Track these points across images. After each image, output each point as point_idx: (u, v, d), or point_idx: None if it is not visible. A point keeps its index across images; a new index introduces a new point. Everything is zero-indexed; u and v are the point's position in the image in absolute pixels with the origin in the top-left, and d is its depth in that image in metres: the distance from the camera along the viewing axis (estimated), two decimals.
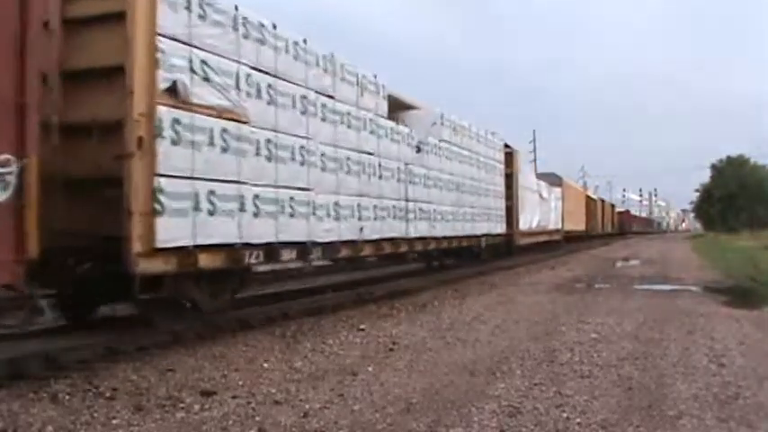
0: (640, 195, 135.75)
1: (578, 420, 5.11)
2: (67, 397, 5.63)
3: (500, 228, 21.13)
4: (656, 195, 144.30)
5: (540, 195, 28.35)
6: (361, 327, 9.20)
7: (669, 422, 5.09)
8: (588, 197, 48.91)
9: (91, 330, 7.93)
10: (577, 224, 40.25)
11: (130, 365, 6.71)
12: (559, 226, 33.04)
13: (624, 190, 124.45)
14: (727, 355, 7.45)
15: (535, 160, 49.45)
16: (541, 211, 28.23)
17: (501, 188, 21.52)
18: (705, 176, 76.65)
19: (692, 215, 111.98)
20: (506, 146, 22.92)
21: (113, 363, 6.80)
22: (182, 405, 5.44)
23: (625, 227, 74.68)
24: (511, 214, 22.75)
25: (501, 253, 22.35)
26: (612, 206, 69.33)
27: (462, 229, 17.26)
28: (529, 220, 25.76)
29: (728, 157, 72.99)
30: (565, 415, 5.23)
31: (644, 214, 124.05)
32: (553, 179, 34.39)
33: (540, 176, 32.09)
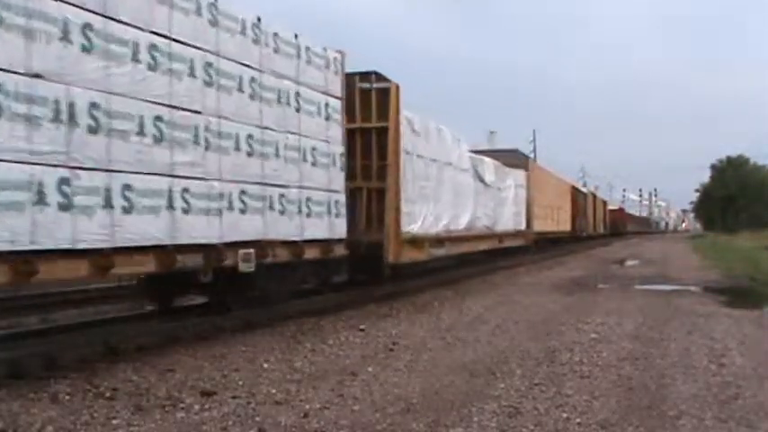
0: (640, 195, 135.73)
1: (578, 420, 5.11)
2: (67, 397, 5.63)
3: (329, 229, 10.60)
4: (656, 195, 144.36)
5: (479, 178, 18.30)
6: (361, 327, 9.20)
7: (669, 422, 5.09)
8: (575, 189, 38.69)
9: None
10: (558, 223, 30.80)
11: (130, 365, 6.71)
12: (522, 226, 23.09)
13: (624, 190, 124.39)
14: (727, 355, 7.45)
15: (535, 159, 48.98)
16: (479, 203, 18.17)
17: (332, 149, 10.71)
18: (705, 176, 76.88)
19: (692, 215, 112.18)
20: (377, 76, 12.72)
21: (113, 363, 6.80)
22: (182, 405, 5.44)
23: (619, 227, 65.93)
24: (381, 205, 12.45)
25: (339, 281, 12.18)
26: (604, 203, 59.58)
27: (119, 232, 6.87)
28: (445, 215, 15.39)
29: (728, 158, 73.24)
30: (565, 415, 5.23)
31: (644, 213, 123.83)
32: (515, 158, 24.38)
33: (490, 153, 21.72)
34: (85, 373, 6.37)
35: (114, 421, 5.03)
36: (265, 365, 6.89)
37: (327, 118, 10.68)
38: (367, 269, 12.60)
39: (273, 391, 5.89)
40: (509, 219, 21.52)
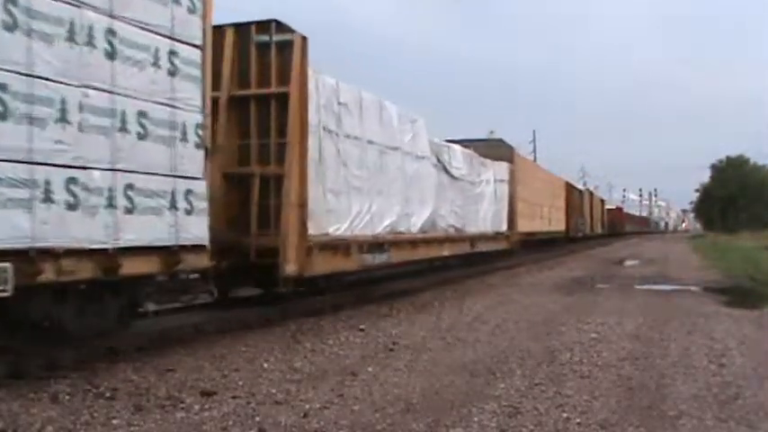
0: (640, 195, 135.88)
1: (578, 420, 5.11)
2: (67, 397, 5.63)
3: (174, 232, 7.29)
4: (655, 195, 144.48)
5: (444, 169, 15.66)
6: (361, 327, 9.20)
7: (669, 422, 5.09)
8: (570, 186, 36.49)
9: None
10: (551, 222, 28.62)
11: (130, 365, 6.71)
12: (503, 226, 20.32)
13: (624, 190, 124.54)
14: (727, 355, 7.46)
15: (535, 160, 48.67)
16: (444, 199, 15.54)
17: (182, 118, 7.41)
18: (705, 176, 76.86)
19: (692, 215, 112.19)
20: (278, 26, 9.83)
21: (113, 363, 6.80)
22: (182, 405, 5.44)
23: (617, 227, 63.41)
24: (286, 198, 9.33)
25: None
26: (602, 201, 56.68)
27: None
28: (391, 213, 12.59)
29: (728, 158, 73.23)
30: (565, 415, 5.23)
31: (644, 213, 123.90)
32: (497, 149, 21.38)
33: (467, 143, 18.83)
34: (85, 373, 6.37)
35: (114, 421, 5.03)
36: (265, 365, 6.89)
37: (173, 73, 7.37)
38: (262, 283, 9.95)
39: (273, 391, 5.90)
40: (486, 218, 18.63)
